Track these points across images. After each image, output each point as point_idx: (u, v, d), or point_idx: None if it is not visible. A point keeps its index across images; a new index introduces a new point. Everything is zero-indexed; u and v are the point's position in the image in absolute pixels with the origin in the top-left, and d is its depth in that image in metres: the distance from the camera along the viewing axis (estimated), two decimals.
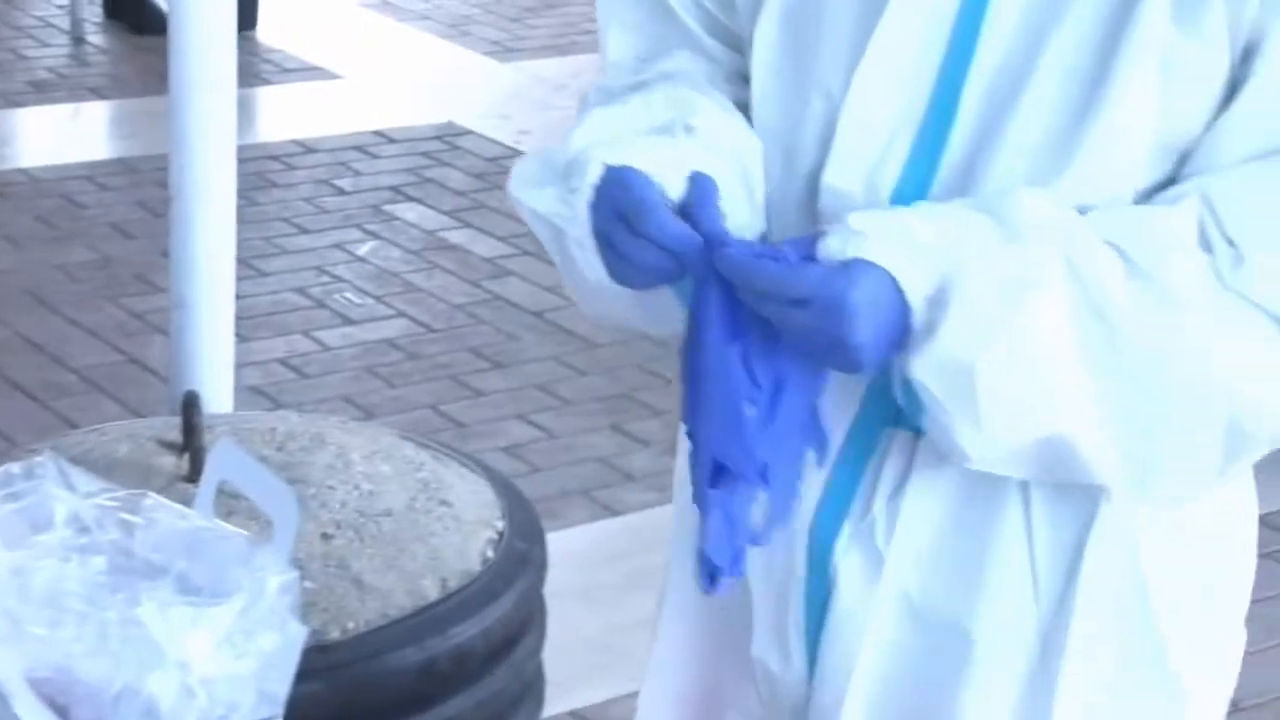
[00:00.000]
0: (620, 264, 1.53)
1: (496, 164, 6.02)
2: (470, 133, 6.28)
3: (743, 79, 1.66)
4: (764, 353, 1.49)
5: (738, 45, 1.67)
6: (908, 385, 1.48)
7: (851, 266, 1.44)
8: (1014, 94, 1.51)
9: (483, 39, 7.38)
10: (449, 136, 6.24)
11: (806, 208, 1.59)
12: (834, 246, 1.45)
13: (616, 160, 1.52)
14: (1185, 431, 1.48)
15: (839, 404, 1.58)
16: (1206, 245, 1.46)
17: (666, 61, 1.68)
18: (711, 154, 1.56)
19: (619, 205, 1.50)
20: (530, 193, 1.60)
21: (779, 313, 1.46)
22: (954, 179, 1.53)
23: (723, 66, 1.69)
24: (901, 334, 1.46)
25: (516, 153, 6.11)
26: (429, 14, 7.67)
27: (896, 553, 1.60)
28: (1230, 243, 1.46)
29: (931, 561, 1.60)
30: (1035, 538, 1.58)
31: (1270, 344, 1.47)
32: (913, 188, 1.54)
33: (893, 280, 1.44)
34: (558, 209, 1.56)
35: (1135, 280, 1.45)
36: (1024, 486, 1.57)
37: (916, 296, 1.44)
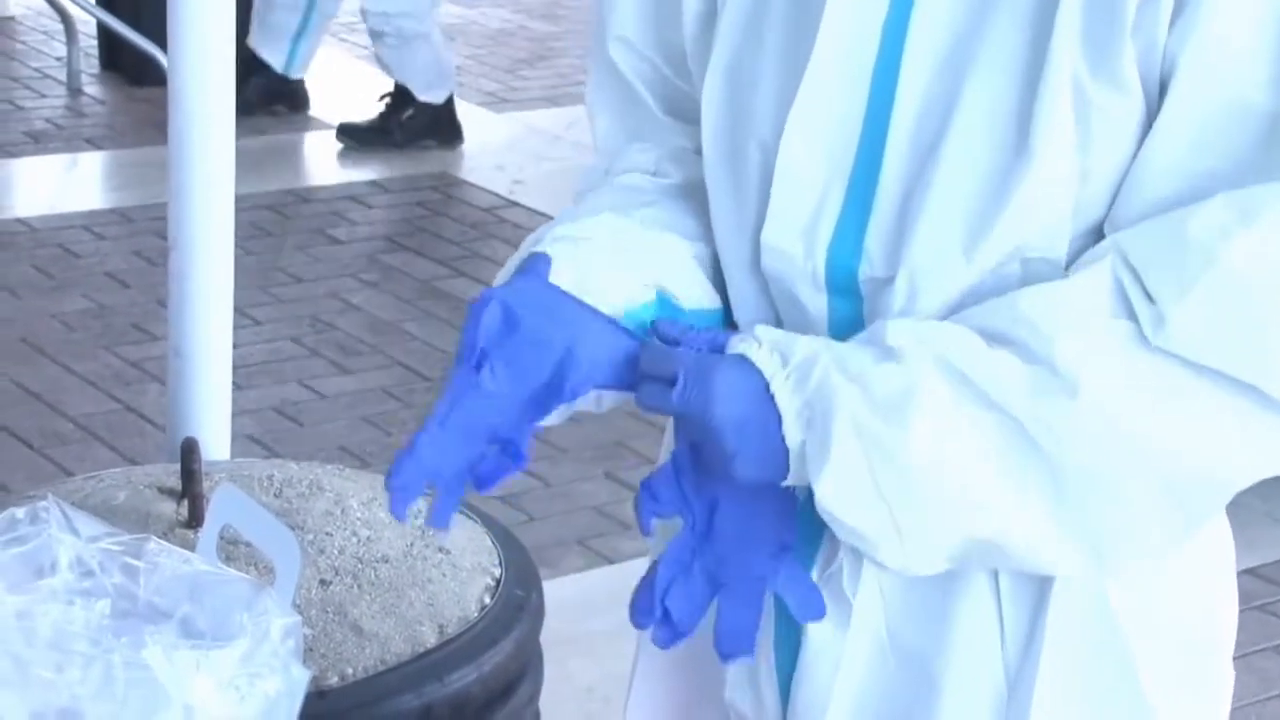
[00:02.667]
0: None
1: (490, 214, 6.05)
2: (464, 183, 6.31)
3: (696, 155, 1.67)
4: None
5: (696, 117, 1.66)
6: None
7: (727, 354, 1.47)
8: (938, 139, 1.49)
9: (477, 90, 7.42)
10: (443, 186, 6.27)
11: (753, 269, 1.59)
12: (733, 342, 1.48)
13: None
14: (1127, 505, 1.46)
15: None
16: (1128, 307, 1.44)
17: (618, 162, 1.70)
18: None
19: None
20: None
21: (660, 393, 1.47)
22: (888, 230, 1.52)
23: (675, 147, 1.69)
24: (777, 446, 1.46)
25: (510, 203, 6.14)
26: None
27: (864, 597, 1.60)
28: (1150, 299, 1.43)
29: (899, 603, 1.60)
30: (1000, 577, 1.58)
31: (1203, 397, 1.43)
32: (848, 243, 1.53)
33: (764, 383, 1.45)
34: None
35: (1032, 366, 1.43)
36: None
37: (788, 411, 1.45)
